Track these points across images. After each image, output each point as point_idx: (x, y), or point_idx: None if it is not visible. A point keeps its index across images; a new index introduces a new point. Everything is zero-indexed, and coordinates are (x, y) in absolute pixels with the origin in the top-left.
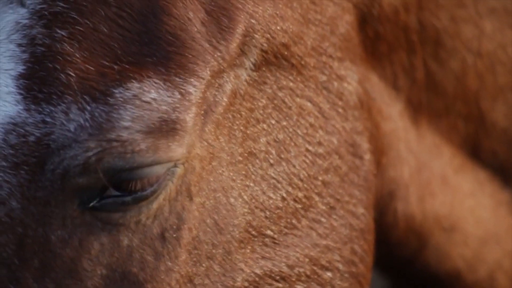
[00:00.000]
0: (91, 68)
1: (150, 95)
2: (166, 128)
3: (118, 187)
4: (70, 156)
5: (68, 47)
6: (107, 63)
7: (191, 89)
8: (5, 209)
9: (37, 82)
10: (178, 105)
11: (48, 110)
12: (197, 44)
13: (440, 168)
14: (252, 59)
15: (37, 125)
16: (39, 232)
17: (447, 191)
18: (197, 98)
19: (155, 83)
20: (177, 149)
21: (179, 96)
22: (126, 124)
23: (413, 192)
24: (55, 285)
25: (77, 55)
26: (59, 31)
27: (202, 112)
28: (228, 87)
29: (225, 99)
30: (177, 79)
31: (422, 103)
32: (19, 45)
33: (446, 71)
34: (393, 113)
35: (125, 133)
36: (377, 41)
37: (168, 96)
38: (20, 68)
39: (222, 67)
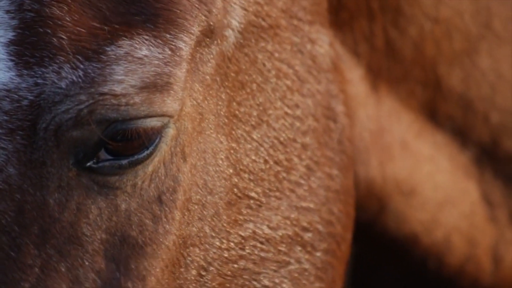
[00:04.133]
0: (82, 30)
1: (141, 52)
2: (161, 82)
3: (113, 139)
4: (62, 111)
5: (58, 11)
6: (97, 25)
7: (181, 45)
8: (2, 176)
9: (29, 48)
10: (169, 60)
11: (40, 72)
12: None
13: (400, 133)
14: (237, 18)
15: (30, 88)
16: (37, 197)
17: (407, 156)
18: (187, 54)
19: (146, 39)
20: (171, 104)
21: (169, 52)
22: (119, 77)
23: (374, 156)
24: (55, 251)
25: (67, 19)
26: None
27: (192, 70)
28: (216, 48)
29: (213, 60)
30: (167, 35)
31: (382, 69)
32: (7, 11)
33: (405, 38)
34: (354, 78)
35: (119, 87)
36: (339, 9)
37: (159, 53)
38: (10, 35)
39: (210, 23)
